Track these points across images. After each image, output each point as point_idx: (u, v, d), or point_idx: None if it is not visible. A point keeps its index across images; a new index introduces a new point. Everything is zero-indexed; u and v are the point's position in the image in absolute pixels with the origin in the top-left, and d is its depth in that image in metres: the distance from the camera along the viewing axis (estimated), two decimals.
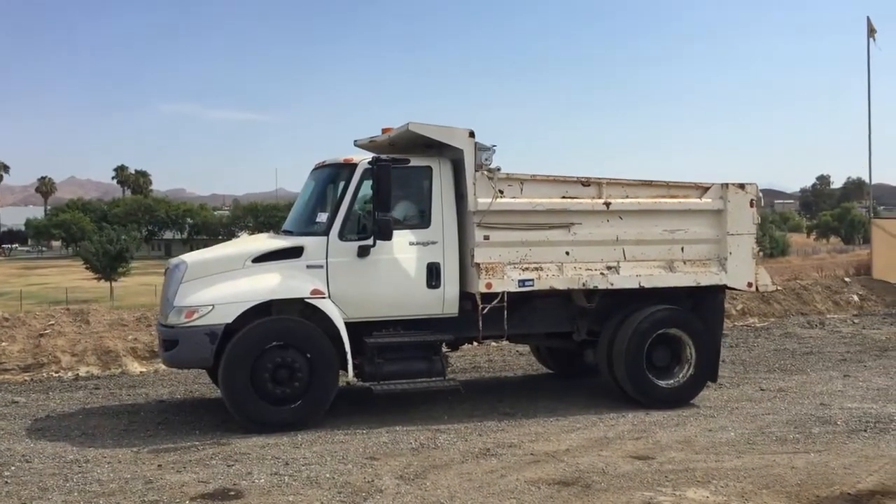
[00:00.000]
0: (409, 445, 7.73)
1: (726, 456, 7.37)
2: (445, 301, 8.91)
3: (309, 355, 8.38)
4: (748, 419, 8.77)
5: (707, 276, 9.54)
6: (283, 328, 8.43)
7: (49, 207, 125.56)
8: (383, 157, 8.69)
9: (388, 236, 8.52)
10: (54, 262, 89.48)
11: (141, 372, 11.88)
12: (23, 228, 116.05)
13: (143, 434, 8.24)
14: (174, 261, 8.91)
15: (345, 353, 8.45)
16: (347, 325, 8.56)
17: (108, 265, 58.44)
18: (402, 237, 8.79)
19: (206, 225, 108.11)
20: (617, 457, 7.34)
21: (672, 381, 9.42)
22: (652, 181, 9.65)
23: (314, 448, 7.61)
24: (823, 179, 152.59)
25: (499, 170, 8.93)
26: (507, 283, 8.92)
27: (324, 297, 8.52)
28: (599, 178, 9.40)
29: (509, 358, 13.03)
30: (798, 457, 7.32)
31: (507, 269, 8.96)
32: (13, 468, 7.00)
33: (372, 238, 8.51)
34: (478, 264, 8.85)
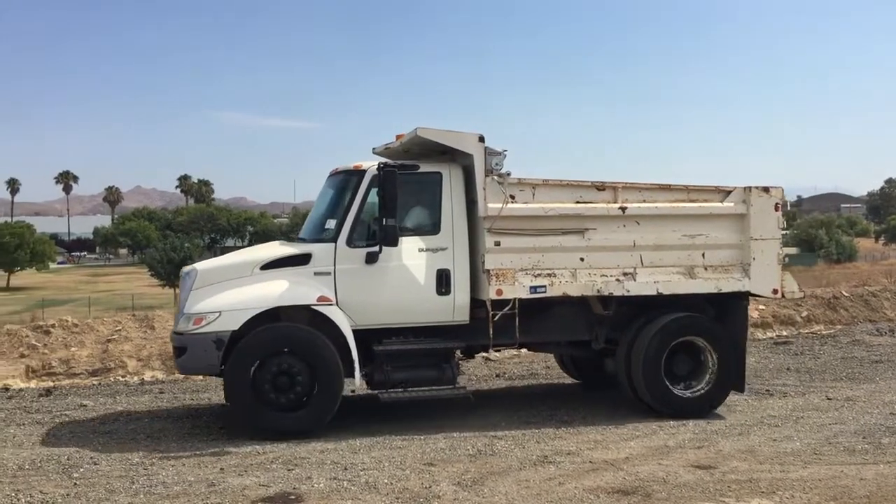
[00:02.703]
0: (466, 452, 7.72)
1: (792, 466, 7.19)
2: (456, 308, 8.80)
3: (312, 363, 8.33)
4: (814, 429, 8.54)
5: (729, 283, 9.23)
6: (286, 335, 8.42)
7: (116, 216, 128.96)
8: (390, 163, 8.67)
9: (393, 243, 8.48)
10: (120, 270, 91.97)
11: (203, 377, 12.11)
12: (91, 237, 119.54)
13: (205, 438, 8.40)
14: (187, 268, 9.00)
15: (353, 361, 8.38)
16: (357, 332, 8.54)
17: (172, 272, 59.82)
18: (411, 244, 8.73)
19: (266, 232, 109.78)
20: (678, 466, 7.22)
21: (693, 391, 9.16)
22: (671, 185, 9.41)
23: (372, 453, 7.66)
24: (892, 183, 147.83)
25: (509, 174, 8.80)
26: (518, 289, 8.78)
27: (331, 304, 8.48)
28: (615, 183, 9.20)
29: None
30: (867, 468, 7.10)
31: (518, 275, 8.81)
32: (82, 470, 7.20)
33: (378, 245, 8.50)
34: (488, 271, 8.72)
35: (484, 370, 12.52)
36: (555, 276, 8.90)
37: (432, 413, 9.30)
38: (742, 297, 9.49)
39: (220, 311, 8.29)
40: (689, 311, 9.21)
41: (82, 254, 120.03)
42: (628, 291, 9.02)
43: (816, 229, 79.31)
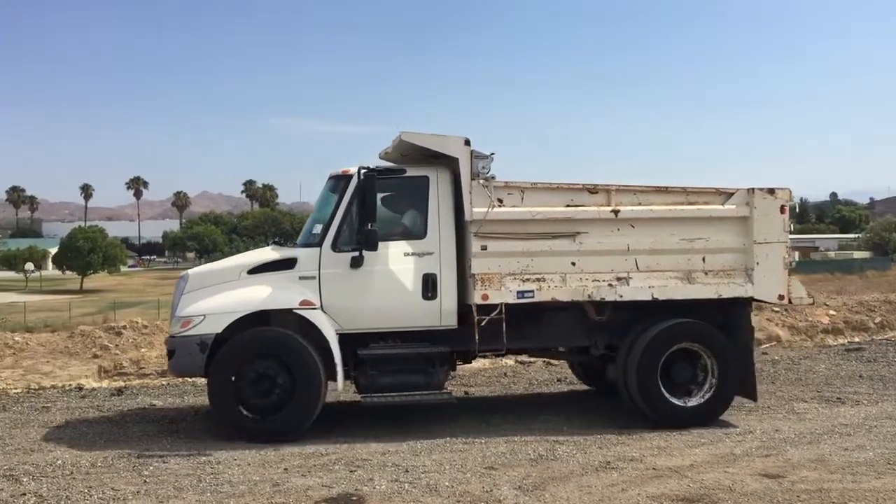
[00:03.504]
0: (527, 456, 7.69)
1: (864, 477, 6.96)
2: (443, 313, 8.72)
3: (292, 367, 8.36)
4: (888, 438, 8.25)
5: (731, 288, 8.90)
6: (266, 339, 8.46)
7: (184, 220, 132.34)
8: (372, 167, 8.69)
9: (373, 247, 8.47)
10: None
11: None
12: (160, 241, 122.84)
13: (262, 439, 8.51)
14: (183, 273, 9.18)
15: (337, 364, 8.42)
16: (346, 336, 8.56)
17: None
18: (397, 248, 8.73)
19: None
20: (745, 474, 7.06)
21: (692, 400, 8.89)
22: (668, 187, 9.12)
23: (433, 456, 7.69)
24: None
25: (493, 178, 8.70)
26: (504, 294, 8.64)
27: (314, 308, 8.51)
28: (608, 185, 8.95)
29: None
30: None
31: (505, 280, 8.66)
32: (151, 468, 7.38)
33: (359, 249, 8.52)
34: (474, 275, 8.61)
35: (545, 374, 12.46)
36: (544, 280, 8.74)
37: (492, 417, 9.29)
38: (745, 303, 9.13)
39: (204, 315, 8.44)
40: (692, 317, 8.92)
41: (152, 257, 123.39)
42: (621, 297, 8.79)
43: (890, 232, 76.78)
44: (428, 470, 7.21)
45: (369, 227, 8.39)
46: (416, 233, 8.85)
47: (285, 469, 7.31)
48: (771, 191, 9.01)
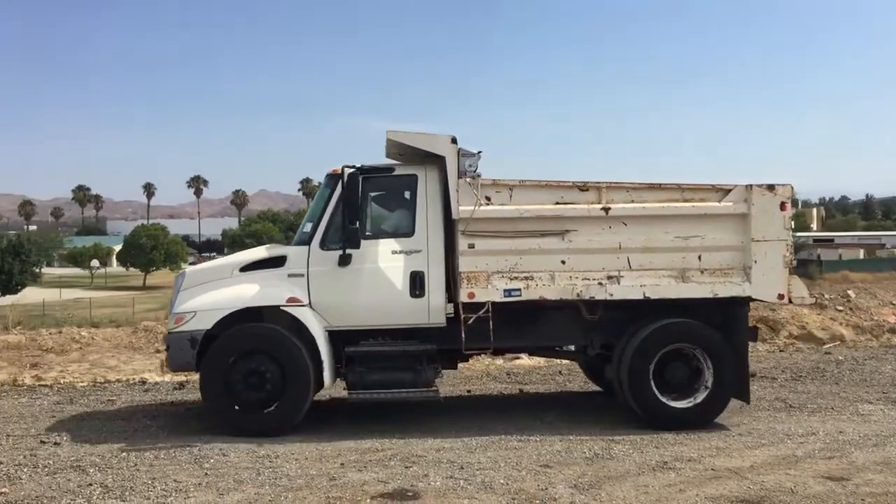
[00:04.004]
0: (583, 455, 7.64)
1: None
2: (431, 311, 8.70)
3: (282, 363, 8.47)
4: None
5: (727, 287, 8.65)
6: (257, 336, 8.59)
7: (242, 218, 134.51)
8: (360, 166, 8.70)
9: (355, 245, 8.54)
10: None
11: None
12: (219, 238, 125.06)
13: (327, 433, 8.62)
14: (181, 271, 9.38)
15: (323, 361, 8.50)
16: (338, 333, 8.66)
17: None
18: (385, 246, 8.76)
19: None
20: (807, 476, 6.91)
21: (687, 401, 8.69)
22: (661, 184, 8.90)
23: (488, 453, 7.69)
24: None
25: (479, 175, 8.64)
26: (491, 292, 8.57)
27: (302, 306, 8.60)
28: (599, 182, 8.77)
29: None
30: None
31: (493, 278, 8.58)
32: (212, 461, 7.54)
33: (343, 247, 8.56)
34: (461, 273, 8.56)
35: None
36: (532, 279, 8.63)
37: (546, 414, 9.26)
38: (743, 303, 8.89)
39: (195, 312, 8.62)
40: (690, 317, 8.73)
41: (212, 254, 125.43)
42: (611, 295, 8.64)
43: None
44: (483, 467, 7.21)
45: (352, 225, 8.49)
46: (404, 231, 8.88)
47: (342, 464, 7.39)
48: (771, 187, 8.77)
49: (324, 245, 8.73)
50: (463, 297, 8.58)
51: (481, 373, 12.63)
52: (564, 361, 13.55)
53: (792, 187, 8.82)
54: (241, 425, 8.51)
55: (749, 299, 8.84)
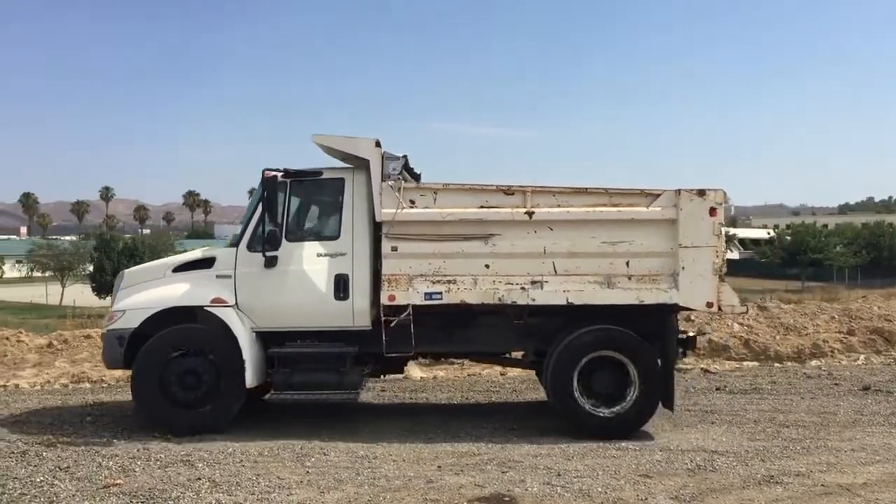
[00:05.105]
0: (684, 466, 7.46)
1: None
2: (355, 313, 8.71)
3: (217, 362, 8.60)
4: None
5: (653, 294, 8.42)
6: (191, 336, 8.71)
7: None
8: (281, 169, 8.72)
9: (275, 247, 8.63)
10: None
11: (421, 377, 12.60)
12: None
13: (424, 436, 8.70)
14: (122, 271, 9.55)
15: (255, 362, 8.64)
16: (270, 335, 8.77)
17: None
18: (311, 248, 8.82)
19: None
20: None
21: (613, 410, 8.50)
22: (588, 188, 8.64)
23: (586, 461, 7.60)
24: None
25: (402, 179, 8.57)
26: (412, 295, 8.47)
27: (227, 306, 8.68)
28: (525, 186, 8.58)
29: (795, 380, 12.14)
30: None
31: (415, 281, 8.49)
32: (313, 459, 7.72)
33: (262, 248, 8.62)
34: (383, 276, 8.52)
35: (703, 382, 12.05)
36: (454, 282, 8.54)
37: (645, 425, 9.08)
38: (672, 310, 8.68)
39: (124, 311, 8.85)
40: (622, 324, 8.56)
41: None
42: (534, 300, 8.50)
43: None
44: (580, 475, 7.14)
45: (271, 228, 8.61)
46: (330, 234, 8.96)
47: (439, 467, 7.44)
48: (701, 192, 8.49)
49: (251, 247, 8.83)
50: (384, 300, 8.58)
51: None
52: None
53: (724, 192, 8.59)
54: (172, 424, 8.64)
55: (676, 307, 8.64)
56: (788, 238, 75.12)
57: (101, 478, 7.03)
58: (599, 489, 6.72)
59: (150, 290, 8.97)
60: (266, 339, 8.89)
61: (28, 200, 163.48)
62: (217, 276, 8.89)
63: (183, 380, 8.65)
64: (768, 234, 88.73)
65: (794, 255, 71.16)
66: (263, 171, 8.72)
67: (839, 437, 8.50)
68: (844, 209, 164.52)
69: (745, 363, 13.70)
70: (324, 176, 9.11)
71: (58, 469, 7.29)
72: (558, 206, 8.65)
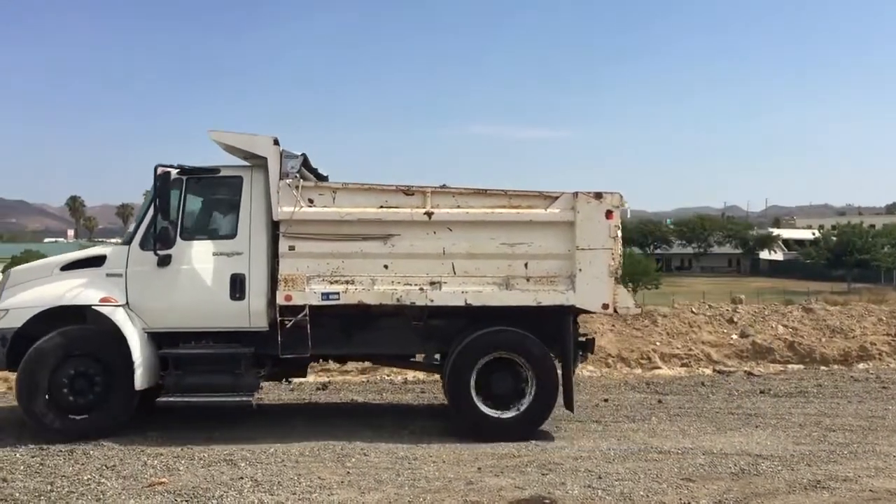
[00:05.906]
0: (727, 470, 7.35)
1: None
2: (252, 314, 8.53)
3: (107, 364, 8.39)
4: None
5: (550, 296, 8.38)
6: (80, 338, 8.47)
7: None
8: (176, 165, 8.57)
9: (167, 245, 8.45)
10: None
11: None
12: None
13: (463, 437, 8.67)
14: (7, 270, 9.37)
15: (145, 363, 8.36)
16: (162, 336, 8.53)
17: None
18: (206, 247, 8.64)
19: None
20: None
21: (509, 412, 8.44)
22: (488, 190, 8.56)
23: (627, 464, 7.54)
24: None
25: (300, 177, 8.43)
26: (308, 295, 8.35)
27: (116, 306, 8.45)
28: (425, 187, 8.52)
29: (841, 383, 11.91)
30: None
31: (312, 281, 8.38)
32: (353, 460, 7.76)
33: (154, 247, 8.44)
34: (280, 275, 8.40)
35: (746, 385, 11.90)
36: (352, 283, 8.45)
37: (689, 427, 8.98)
38: (569, 312, 8.64)
39: (7, 310, 8.58)
40: (522, 326, 8.51)
41: None
42: (432, 301, 8.43)
43: None
44: (622, 478, 7.07)
45: (164, 225, 8.45)
46: (227, 233, 8.79)
47: (479, 468, 7.43)
48: (598, 195, 8.48)
49: (144, 245, 8.65)
50: (280, 300, 8.45)
51: (619, 381, 12.41)
52: (706, 371, 13.13)
53: (620, 195, 8.57)
54: (66, 428, 8.38)
55: (573, 308, 8.58)
56: (834, 238, 73.83)
57: (147, 476, 7.15)
58: (641, 493, 6.66)
59: (36, 289, 8.70)
60: (160, 340, 8.66)
61: (75, 204, 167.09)
62: (107, 275, 8.67)
63: (71, 382, 8.41)
64: (813, 234, 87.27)
65: (840, 256, 69.93)
66: (156, 167, 8.50)
67: (888, 442, 8.33)
68: (893, 209, 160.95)
69: (789, 366, 13.49)
70: (221, 173, 8.94)
71: (104, 467, 7.43)
72: (458, 207, 8.63)
